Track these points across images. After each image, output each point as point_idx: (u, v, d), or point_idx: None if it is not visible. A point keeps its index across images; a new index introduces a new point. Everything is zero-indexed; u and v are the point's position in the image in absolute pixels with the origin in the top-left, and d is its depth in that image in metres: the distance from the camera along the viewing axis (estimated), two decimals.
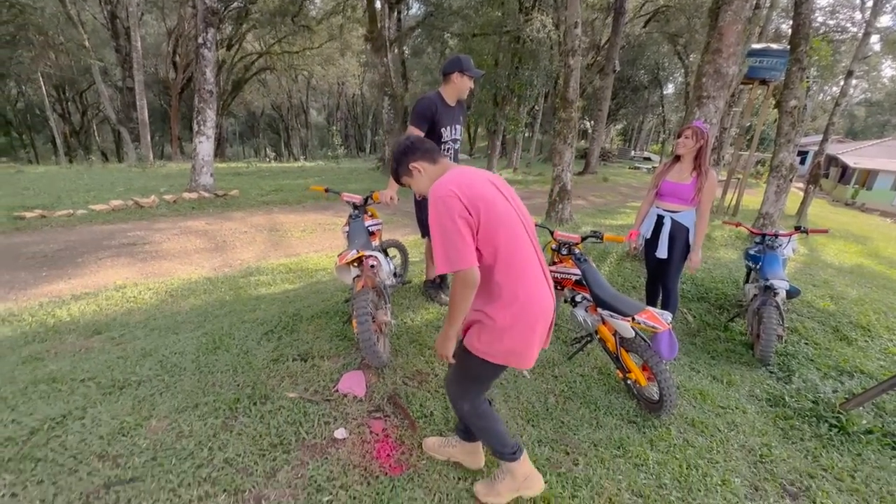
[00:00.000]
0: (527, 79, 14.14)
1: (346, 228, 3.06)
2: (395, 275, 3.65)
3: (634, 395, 2.70)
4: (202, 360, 2.58)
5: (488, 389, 1.90)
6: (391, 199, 3.00)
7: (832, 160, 26.68)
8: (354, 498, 1.78)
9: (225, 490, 1.74)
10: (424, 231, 3.41)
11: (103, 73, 22.57)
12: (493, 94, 14.82)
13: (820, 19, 20.70)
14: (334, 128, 28.38)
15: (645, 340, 2.53)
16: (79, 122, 29.41)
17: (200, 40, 7.30)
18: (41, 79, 20.17)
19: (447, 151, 3.15)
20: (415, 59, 21.05)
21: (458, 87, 3.01)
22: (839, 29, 20.92)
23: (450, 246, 1.42)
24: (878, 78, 44.23)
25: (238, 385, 2.36)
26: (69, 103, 28.30)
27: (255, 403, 2.22)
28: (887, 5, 18.59)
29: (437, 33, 15.48)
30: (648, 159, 34.66)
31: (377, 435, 2.14)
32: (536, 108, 23.14)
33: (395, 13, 14.83)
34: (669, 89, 36.07)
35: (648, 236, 3.37)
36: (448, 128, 3.10)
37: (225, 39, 23.09)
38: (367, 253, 2.54)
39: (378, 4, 13.95)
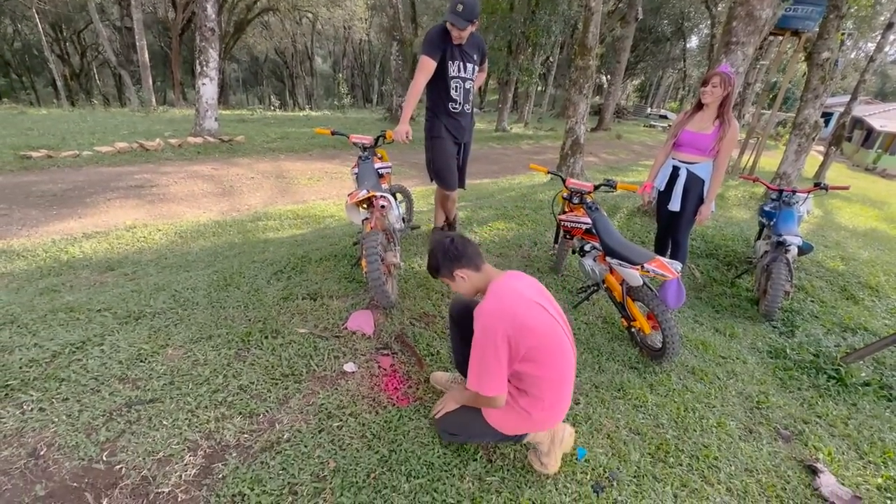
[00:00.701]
0: (544, 25, 13.34)
1: (356, 170, 3.00)
2: (402, 220, 3.64)
3: (637, 342, 2.75)
4: (214, 295, 2.63)
5: None
6: (406, 134, 2.85)
7: (857, 122, 25.58)
8: (363, 425, 1.86)
9: (240, 413, 1.83)
10: (432, 174, 3.34)
11: (100, 11, 21.65)
12: (508, 42, 14.08)
13: None
14: (340, 76, 27.40)
15: (651, 290, 2.53)
16: (78, 64, 28.58)
17: None
18: (36, 16, 19.35)
19: (456, 90, 3.00)
20: (425, 2, 19.89)
21: (452, 34, 2.79)
22: None
23: (483, 370, 1.50)
24: None
25: (249, 320, 2.42)
26: (67, 43, 27.38)
27: (266, 337, 2.28)
28: None
29: None
30: (665, 117, 33.37)
31: (385, 370, 2.21)
32: (551, 59, 22.07)
33: None
34: (693, 42, 34.15)
35: (662, 188, 3.29)
36: (457, 63, 2.93)
37: None
38: (378, 193, 2.51)
39: None
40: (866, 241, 5.45)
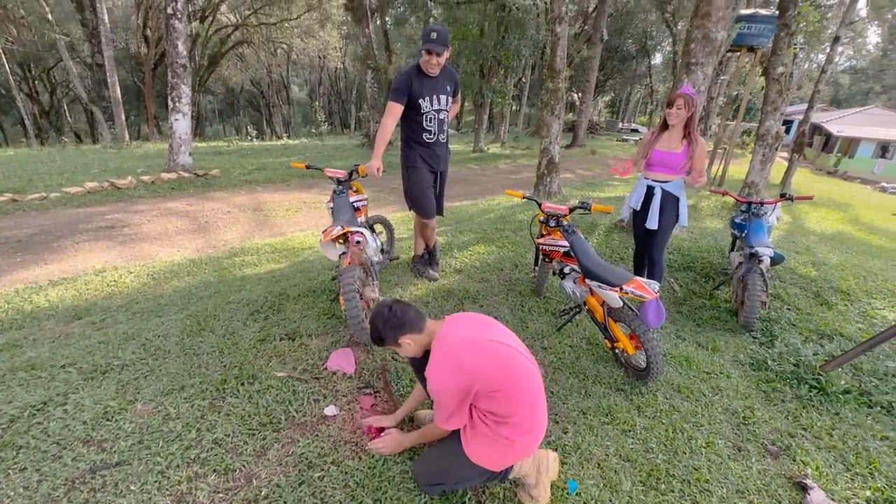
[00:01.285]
0: (514, 49, 13.78)
1: (331, 204, 2.98)
2: (382, 251, 3.61)
3: (622, 363, 2.74)
4: (187, 342, 2.53)
5: None
6: (378, 170, 2.93)
7: (816, 129, 26.87)
8: (346, 473, 1.78)
9: (214, 470, 1.73)
10: (410, 203, 3.36)
11: (70, 49, 21.47)
12: (480, 66, 14.45)
13: None
14: (317, 104, 27.59)
15: (632, 310, 2.54)
16: (48, 101, 28.10)
17: (170, 10, 6.91)
18: (2, 55, 19.07)
19: (430, 122, 3.07)
20: (398, 30, 20.36)
21: (422, 61, 2.89)
22: None
23: (451, 415, 1.57)
24: (864, 45, 44.24)
25: (225, 366, 2.33)
26: (36, 82, 26.95)
27: (242, 384, 2.20)
28: None
29: (420, 2, 14.92)
30: (636, 131, 34.50)
31: (367, 411, 2.14)
32: (524, 79, 22.71)
33: None
34: (657, 59, 35.67)
35: (638, 208, 3.35)
36: (428, 98, 3.01)
37: (198, 11, 22.01)
38: (353, 229, 2.48)
39: None
40: (834, 245, 5.64)
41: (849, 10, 11.54)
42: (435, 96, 3.07)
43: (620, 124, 38.76)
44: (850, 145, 25.17)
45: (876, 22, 38.20)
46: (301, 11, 20.72)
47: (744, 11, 9.00)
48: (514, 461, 1.65)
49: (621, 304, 2.50)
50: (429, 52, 2.83)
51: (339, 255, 2.69)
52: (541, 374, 1.71)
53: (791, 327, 3.39)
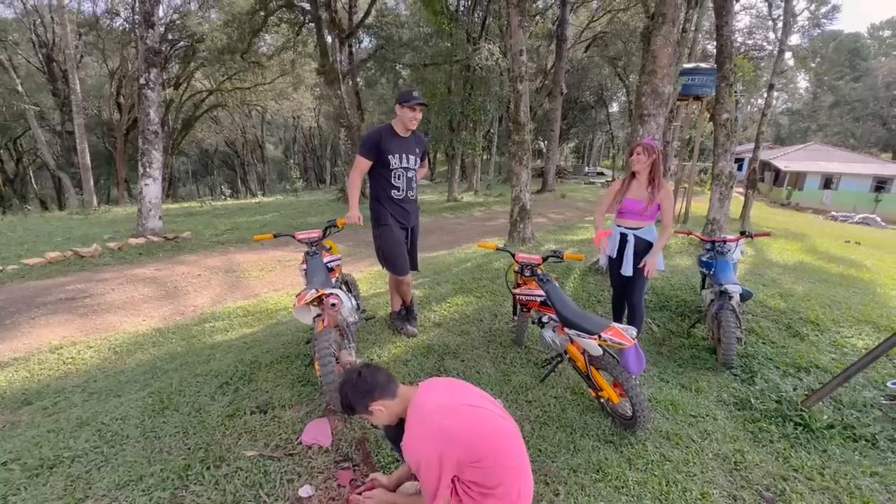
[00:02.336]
0: (480, 104, 14.57)
1: (304, 266, 2.94)
2: (358, 309, 3.54)
3: (608, 412, 2.68)
4: (148, 423, 2.35)
5: None
6: (359, 219, 3.00)
7: (765, 165, 28.87)
8: None
9: None
10: (382, 262, 3.35)
11: (40, 118, 21.43)
12: (449, 120, 15.14)
13: (739, 39, 22.71)
14: (291, 161, 28.02)
15: (613, 357, 2.53)
16: (13, 170, 27.56)
17: (143, 80, 7.06)
18: None
19: (397, 178, 3.14)
20: (369, 91, 21.32)
21: (402, 118, 3.04)
22: (757, 47, 23.02)
23: (427, 485, 1.49)
24: (795, 89, 48.83)
25: (189, 448, 2.16)
26: (1, 151, 26.55)
27: (208, 468, 2.03)
28: (795, 26, 20.70)
29: (389, 65, 15.78)
30: (602, 174, 36.25)
31: (345, 487, 1.99)
32: (492, 131, 23.85)
33: (347, 46, 15.02)
34: (614, 108, 38.20)
35: (614, 255, 3.40)
36: (398, 155, 3.11)
37: (172, 78, 22.58)
38: (328, 291, 2.43)
39: (329, 39, 14.12)
40: (798, 276, 5.87)
41: (778, 61, 12.81)
42: (404, 154, 3.17)
43: (586, 168, 40.70)
44: (798, 179, 27.04)
45: (803, 70, 42.49)
46: (275, 76, 21.51)
47: (686, 65, 9.84)
48: None
49: (601, 351, 2.49)
50: (413, 109, 3.02)
51: (314, 318, 2.61)
52: (521, 434, 1.66)
53: (768, 361, 3.43)
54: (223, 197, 20.51)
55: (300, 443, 2.21)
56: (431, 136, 15.77)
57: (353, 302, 3.10)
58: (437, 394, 1.58)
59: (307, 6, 14.10)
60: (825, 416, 2.64)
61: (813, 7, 24.27)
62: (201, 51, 19.15)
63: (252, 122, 33.32)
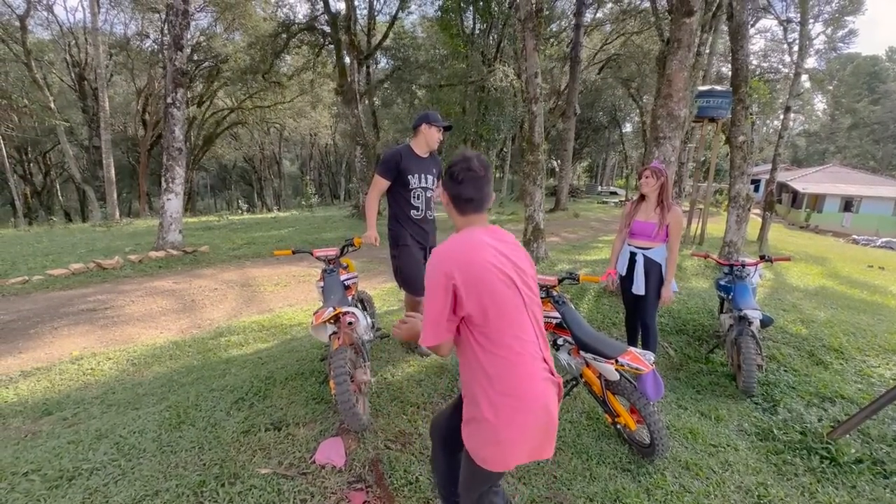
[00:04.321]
0: (493, 124, 14.77)
1: (321, 284, 2.98)
2: (373, 327, 3.56)
3: (626, 439, 2.63)
4: (164, 438, 2.37)
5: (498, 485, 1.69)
6: (375, 239, 3.05)
7: (783, 187, 28.47)
8: None
9: None
10: (400, 282, 3.37)
11: (69, 133, 22.32)
12: (463, 139, 15.34)
13: (755, 62, 22.75)
14: (307, 178, 28.56)
15: (631, 382, 2.49)
16: (41, 182, 28.61)
17: (170, 100, 7.33)
18: (1, 141, 19.69)
19: (416, 198, 3.20)
20: (385, 110, 21.77)
21: (427, 137, 3.12)
22: (773, 70, 23.01)
23: (427, 319, 1.45)
24: (812, 111, 48.46)
25: (204, 464, 2.17)
26: (31, 164, 27.62)
27: (222, 485, 2.03)
28: (811, 49, 20.67)
29: (406, 85, 16.14)
30: (615, 193, 36.13)
31: None
32: (505, 150, 24.06)
33: (365, 67, 15.44)
34: (628, 128, 38.31)
35: (624, 273, 3.43)
36: (417, 175, 3.16)
37: (196, 97, 23.41)
38: (345, 309, 2.46)
39: (347, 60, 14.54)
40: (819, 301, 5.73)
41: (794, 84, 12.76)
42: (423, 175, 3.23)
43: (599, 187, 40.66)
44: (817, 201, 26.57)
45: (820, 92, 42.23)
46: (294, 95, 22.13)
47: (701, 88, 9.87)
48: (503, 441, 1.38)
49: (618, 376, 2.45)
50: (439, 129, 3.15)
51: (330, 336, 2.63)
52: (539, 322, 1.50)
53: (791, 390, 3.33)
54: (240, 211, 20.95)
55: (314, 462, 2.21)
56: (445, 154, 15.98)
57: (369, 320, 3.13)
58: (488, 235, 1.50)
59: (327, 29, 14.58)
60: (853, 450, 2.54)
61: (829, 31, 24.26)
62: (225, 71, 19.87)
63: (270, 138, 34.21)
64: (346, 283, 3.01)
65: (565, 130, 19.46)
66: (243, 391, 2.85)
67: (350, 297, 2.99)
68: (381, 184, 3.15)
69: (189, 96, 23.48)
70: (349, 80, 14.12)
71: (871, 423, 2.79)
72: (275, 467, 2.17)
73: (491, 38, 16.12)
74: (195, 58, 21.93)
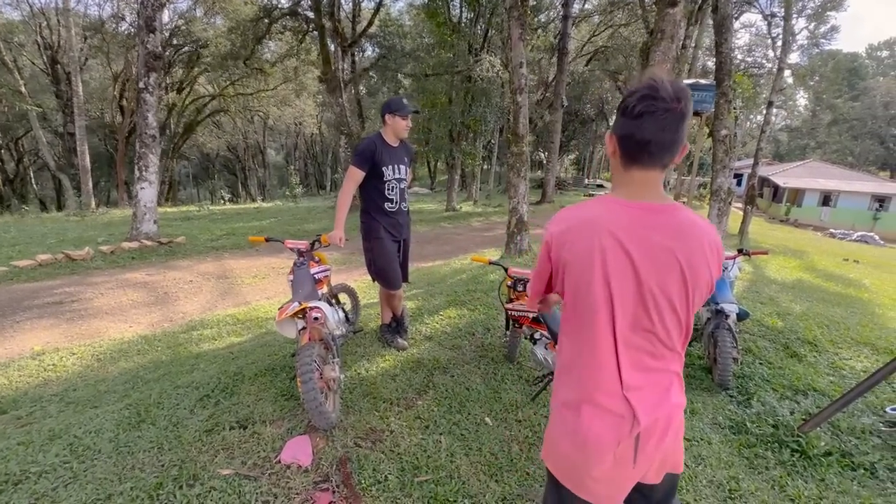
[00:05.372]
0: (480, 115, 14.62)
1: (291, 277, 2.88)
2: (347, 320, 3.47)
3: None
4: (122, 438, 2.27)
5: None
6: (340, 240, 2.93)
7: (764, 181, 28.96)
8: None
9: None
10: (374, 275, 3.29)
11: (42, 119, 21.51)
12: (449, 130, 15.18)
13: (739, 57, 22.94)
14: (291, 168, 28.08)
15: None
16: (13, 170, 27.57)
17: (142, 85, 7.05)
18: None
19: (391, 190, 3.12)
20: (370, 99, 21.43)
21: (393, 128, 3.02)
22: (757, 65, 23.24)
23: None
24: (795, 107, 49.27)
25: (162, 465, 2.07)
26: (2, 151, 26.59)
27: (180, 487, 1.94)
28: (794, 45, 20.93)
29: (391, 74, 15.87)
30: (601, 186, 36.33)
31: None
32: (493, 141, 23.97)
33: (350, 55, 15.12)
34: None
35: None
36: (390, 167, 3.08)
37: (176, 83, 22.72)
38: (311, 304, 2.37)
39: (331, 47, 14.21)
40: (796, 294, 5.81)
41: (777, 79, 12.89)
42: (396, 165, 3.14)
43: (586, 180, 40.81)
44: (797, 195, 27.11)
45: (802, 88, 42.94)
46: (278, 83, 21.64)
47: (686, 81, 9.89)
48: (559, 454, 1.17)
49: None
50: (405, 117, 3.00)
51: (300, 331, 2.55)
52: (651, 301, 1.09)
53: (765, 383, 3.35)
54: (223, 201, 20.52)
55: (279, 461, 2.13)
56: (432, 145, 15.82)
57: (341, 314, 3.05)
58: (626, 206, 1.11)
59: (311, 14, 14.22)
60: (822, 443, 2.56)
61: (812, 27, 24.58)
62: (205, 56, 19.29)
63: (254, 127, 33.49)
64: (316, 276, 2.91)
65: (552, 122, 19.43)
66: (209, 388, 2.75)
67: (321, 291, 2.90)
68: (357, 176, 3.04)
69: (168, 82, 22.77)
70: (333, 67, 13.83)
71: (841, 416, 2.82)
72: (237, 468, 2.09)
73: (478, 27, 15.91)
74: (174, 42, 21.25)
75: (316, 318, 2.34)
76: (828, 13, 22.63)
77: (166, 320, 4.68)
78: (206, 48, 18.57)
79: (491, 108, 14.52)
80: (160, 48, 7.11)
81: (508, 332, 3.42)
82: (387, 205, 3.14)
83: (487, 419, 2.69)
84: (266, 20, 14.34)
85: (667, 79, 1.03)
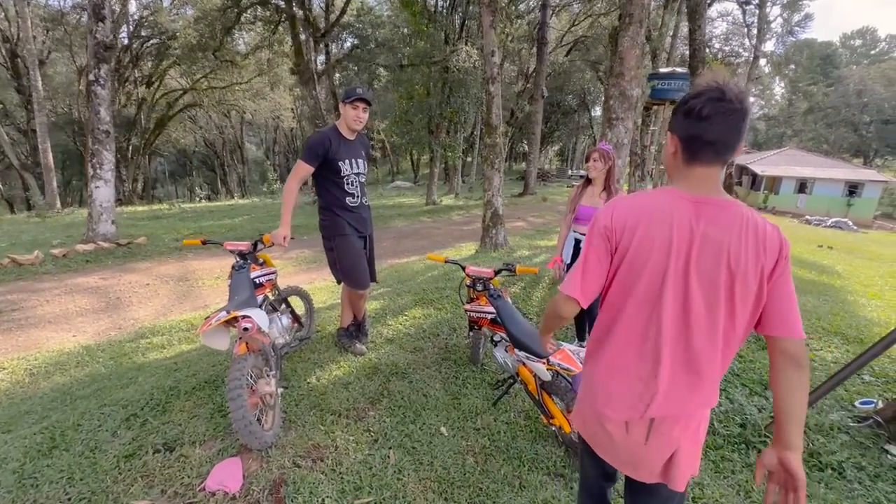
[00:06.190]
0: (459, 106, 14.37)
1: (230, 281, 2.65)
2: (300, 325, 3.26)
3: (562, 442, 2.46)
4: (29, 468, 2.04)
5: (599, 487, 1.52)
6: (285, 239, 2.71)
7: (743, 170, 29.33)
8: None
9: None
10: (340, 275, 3.09)
11: (3, 116, 20.54)
12: (428, 122, 14.91)
13: (717, 46, 23.06)
14: (267, 163, 27.44)
15: (568, 381, 2.31)
16: None
17: (92, 77, 6.64)
18: None
19: (350, 185, 2.92)
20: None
21: (345, 118, 2.82)
22: (734, 54, 23.39)
23: (574, 266, 1.23)
24: (772, 96, 50.03)
25: (69, 499, 1.86)
26: None
27: None
28: (769, 33, 21.10)
29: (365, 65, 15.48)
30: (584, 177, 36.42)
31: None
32: (475, 134, 23.74)
33: (323, 46, 14.68)
34: (597, 112, 38.52)
35: (569, 262, 3.26)
36: (348, 161, 2.87)
37: (145, 77, 21.87)
38: (241, 312, 2.15)
39: (304, 37, 13.77)
40: None
41: (753, 67, 12.92)
42: (353, 160, 2.94)
43: (570, 171, 40.90)
44: (775, 183, 27.52)
45: (778, 76, 43.57)
46: (252, 75, 20.99)
47: (663, 70, 9.81)
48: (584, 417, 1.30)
49: (549, 377, 2.27)
50: (355, 107, 2.78)
51: (238, 341, 2.34)
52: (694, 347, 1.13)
53: (735, 378, 3.25)
54: (198, 199, 19.93)
55: (203, 489, 1.93)
56: (409, 137, 15.53)
57: (285, 321, 2.84)
58: (689, 200, 1.12)
59: (282, 3, 13.73)
60: None
61: (786, 14, 24.79)
62: (174, 48, 18.55)
63: (231, 122, 32.59)
64: (258, 280, 2.69)
65: (533, 113, 19.27)
66: (139, 405, 2.52)
67: (262, 296, 2.69)
68: (303, 171, 2.83)
69: (138, 76, 21.93)
70: (306, 58, 13.43)
71: (809, 413, 2.72)
72: (155, 498, 1.88)
73: (456, 16, 15.62)
74: (142, 35, 20.43)
75: (246, 329, 2.13)
76: (801, 1, 22.84)
77: (114, 328, 4.39)
78: (174, 40, 17.85)
79: (469, 99, 14.29)
80: (110, 37, 6.69)
81: (471, 334, 3.26)
82: (349, 200, 2.94)
83: (443, 429, 2.53)
84: (234, 9, 13.81)
85: (729, 80, 1.08)
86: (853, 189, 26.39)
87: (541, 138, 22.65)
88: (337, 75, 19.22)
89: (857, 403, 2.88)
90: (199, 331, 2.08)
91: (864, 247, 12.90)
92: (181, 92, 22.62)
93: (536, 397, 2.44)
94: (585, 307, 1.25)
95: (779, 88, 49.73)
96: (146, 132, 22.75)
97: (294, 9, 13.10)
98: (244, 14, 14.55)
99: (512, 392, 2.89)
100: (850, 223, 21.22)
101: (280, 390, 2.39)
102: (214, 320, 2.07)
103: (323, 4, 14.81)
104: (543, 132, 25.58)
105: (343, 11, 13.90)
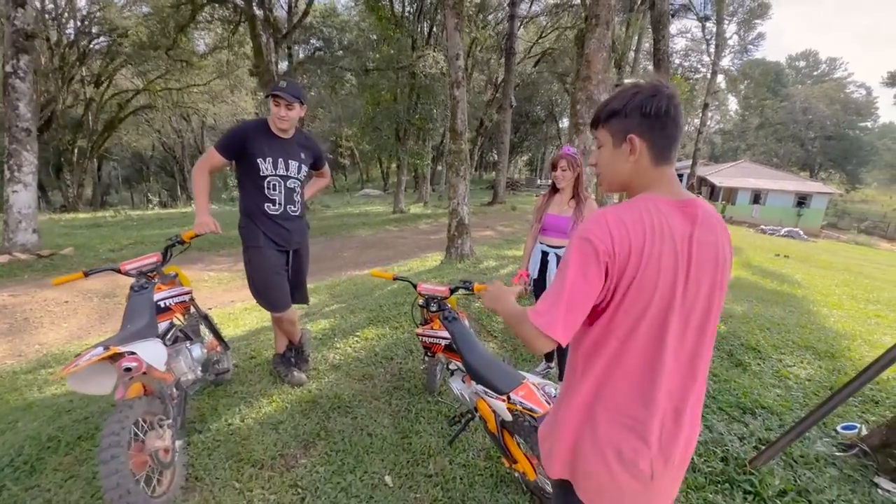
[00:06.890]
0: (427, 113, 14.11)
1: (126, 306, 2.18)
2: (226, 347, 2.80)
3: (527, 489, 2.12)
4: None
5: None
6: (215, 224, 2.31)
7: (702, 181, 30.50)
8: None
9: None
10: (254, 293, 2.65)
11: None
12: (395, 128, 14.56)
13: (677, 61, 23.94)
14: (228, 168, 26.30)
15: (532, 419, 1.97)
16: None
17: (9, 68, 5.91)
18: None
19: (271, 189, 2.50)
20: (308, 94, 20.33)
21: (273, 114, 2.42)
22: (693, 69, 24.36)
23: (551, 293, 0.99)
24: (727, 111, 52.70)
25: None
26: None
27: None
28: (726, 50, 22.09)
29: (327, 68, 15.01)
30: (551, 185, 37.01)
31: None
32: (444, 142, 23.58)
33: (285, 48, 14.12)
34: (565, 122, 39.34)
35: (536, 276, 2.98)
36: (271, 160, 2.46)
37: (93, 76, 20.52)
38: (123, 349, 1.70)
39: (264, 38, 13.19)
40: (735, 293, 5.71)
41: (711, 82, 13.32)
42: (282, 160, 2.52)
43: (539, 181, 41.47)
44: (731, 194, 28.73)
45: (733, 92, 45.95)
46: (211, 77, 20.05)
47: (627, 81, 9.87)
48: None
49: (511, 417, 1.92)
50: (278, 104, 2.38)
51: (126, 381, 1.87)
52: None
53: (712, 402, 3.02)
54: (151, 206, 18.73)
55: None
56: (378, 145, 15.12)
57: (198, 351, 2.38)
58: (673, 204, 1.03)
59: (240, 3, 13.11)
60: (777, 480, 2.21)
61: (742, 32, 26.11)
62: (124, 46, 17.46)
63: (192, 126, 31.12)
64: (165, 303, 2.22)
65: (502, 122, 19.27)
66: (2, 464, 2.00)
67: (167, 323, 2.22)
68: (213, 158, 2.42)
69: (86, 75, 20.55)
70: (266, 60, 12.84)
71: (794, 444, 2.50)
72: None
73: (424, 22, 15.43)
74: (91, 31, 19.16)
75: (127, 370, 1.67)
76: (755, 20, 24.10)
77: (13, 356, 3.75)
78: (124, 37, 16.79)
79: (437, 106, 14.05)
80: (32, 26, 6.00)
81: (427, 359, 2.89)
82: (267, 206, 2.52)
83: (388, 478, 2.14)
84: (189, 6, 13.07)
85: (657, 80, 1.09)
86: (802, 200, 27.88)
87: (510, 148, 22.70)
88: (300, 78, 18.61)
89: (838, 428, 2.69)
90: (63, 373, 1.60)
91: (817, 255, 13.42)
92: (134, 93, 21.34)
93: (497, 436, 2.09)
94: (565, 346, 1.02)
95: (733, 104, 52.47)
96: (94, 134, 21.28)
97: (254, 9, 12.53)
98: (200, 12, 13.82)
99: (471, 427, 2.54)
100: (801, 233, 22.29)
101: (180, 442, 1.93)
102: (85, 359, 1.60)
103: (285, 5, 14.27)
104: (513, 142, 25.73)
105: (305, 13, 13.43)
